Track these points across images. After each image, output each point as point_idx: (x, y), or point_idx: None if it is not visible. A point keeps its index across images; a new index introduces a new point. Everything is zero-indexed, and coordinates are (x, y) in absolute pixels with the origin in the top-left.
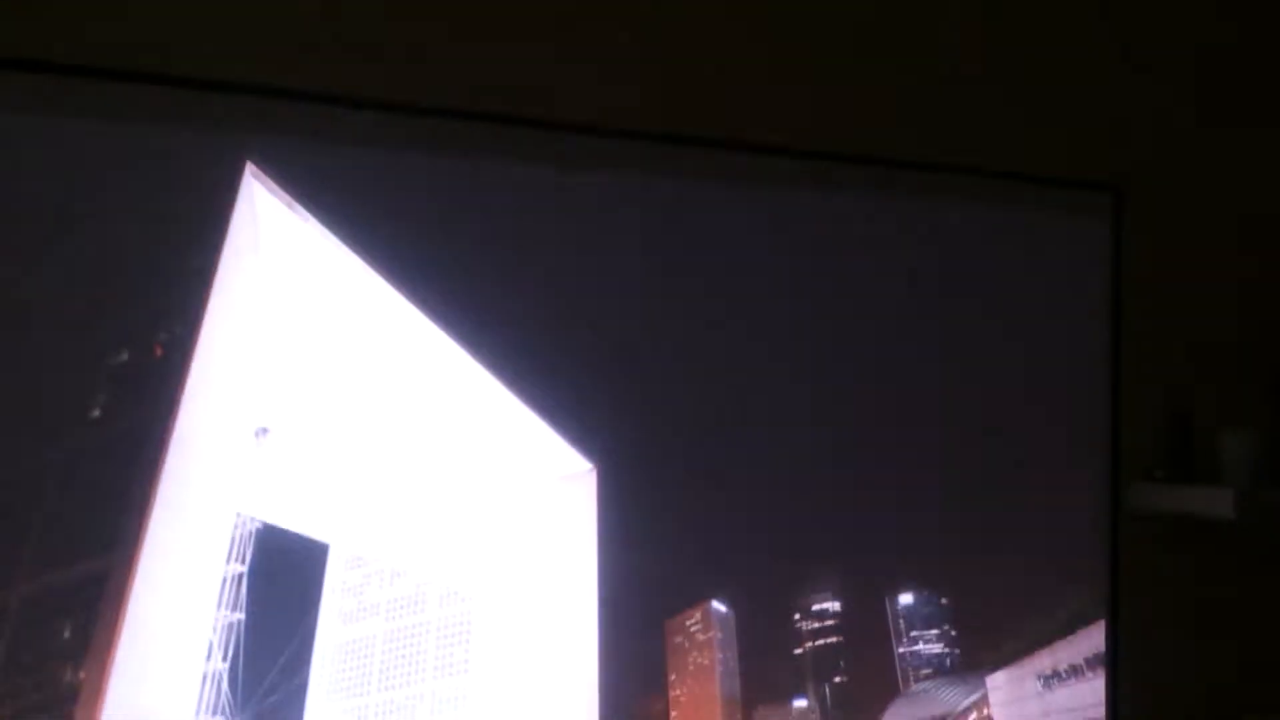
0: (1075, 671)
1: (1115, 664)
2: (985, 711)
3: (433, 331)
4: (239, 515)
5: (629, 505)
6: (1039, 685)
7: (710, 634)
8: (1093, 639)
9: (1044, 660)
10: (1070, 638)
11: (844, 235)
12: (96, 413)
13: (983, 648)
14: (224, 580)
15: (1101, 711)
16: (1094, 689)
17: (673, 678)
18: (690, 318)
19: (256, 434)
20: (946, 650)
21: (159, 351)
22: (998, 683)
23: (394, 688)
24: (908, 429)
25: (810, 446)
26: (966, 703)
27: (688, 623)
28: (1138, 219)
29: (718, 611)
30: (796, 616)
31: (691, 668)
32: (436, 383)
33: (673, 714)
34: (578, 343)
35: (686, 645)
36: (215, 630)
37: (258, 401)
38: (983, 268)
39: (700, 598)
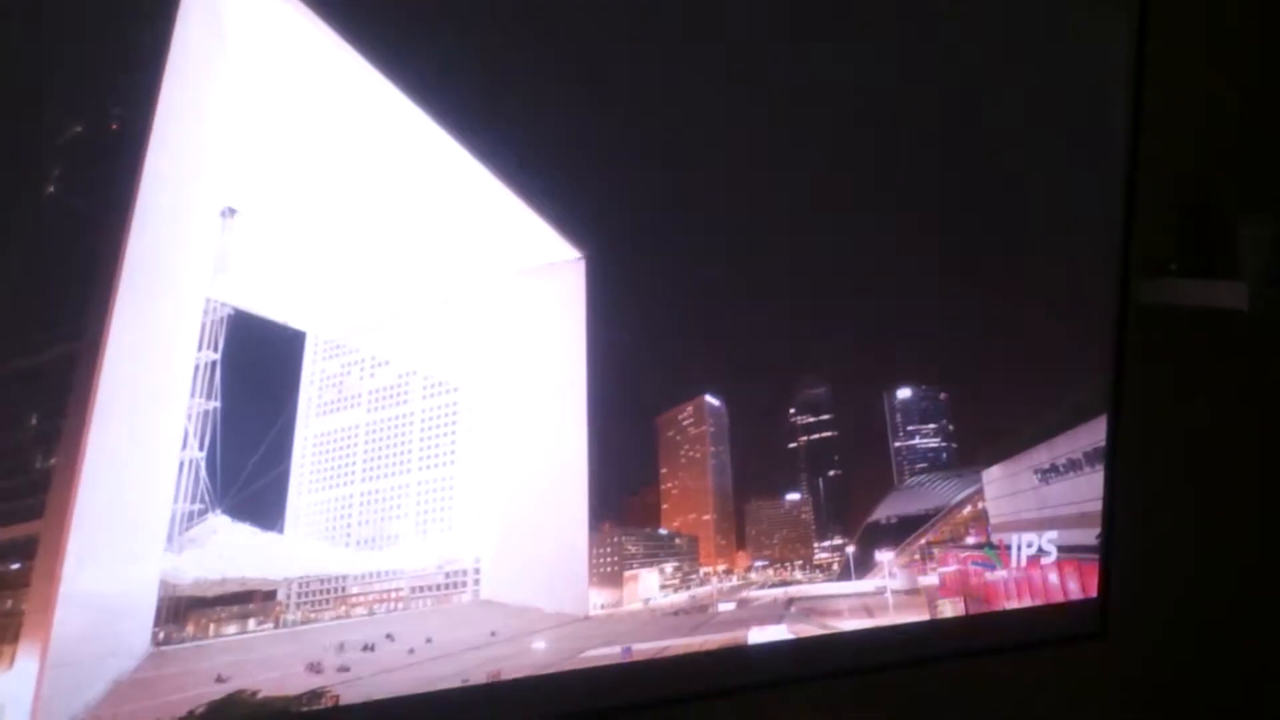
0: (1073, 466)
1: (1114, 457)
2: (980, 505)
3: (416, 114)
4: (209, 300)
5: (618, 294)
6: (1036, 479)
7: (703, 428)
8: (1093, 433)
9: (1041, 455)
10: (1070, 432)
11: (844, 8)
12: (51, 189)
13: (980, 443)
14: (196, 368)
15: (1098, 505)
16: (1091, 483)
17: (664, 471)
18: (682, 104)
19: (223, 214)
20: (943, 445)
21: (114, 126)
22: (993, 476)
23: (378, 478)
24: (909, 216)
25: (807, 235)
26: (961, 496)
27: (680, 416)
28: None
29: (711, 405)
30: (791, 411)
31: (684, 461)
32: (419, 166)
33: (664, 507)
34: (566, 131)
35: (679, 439)
36: (190, 418)
37: (224, 180)
38: (1001, 47)
39: (693, 392)
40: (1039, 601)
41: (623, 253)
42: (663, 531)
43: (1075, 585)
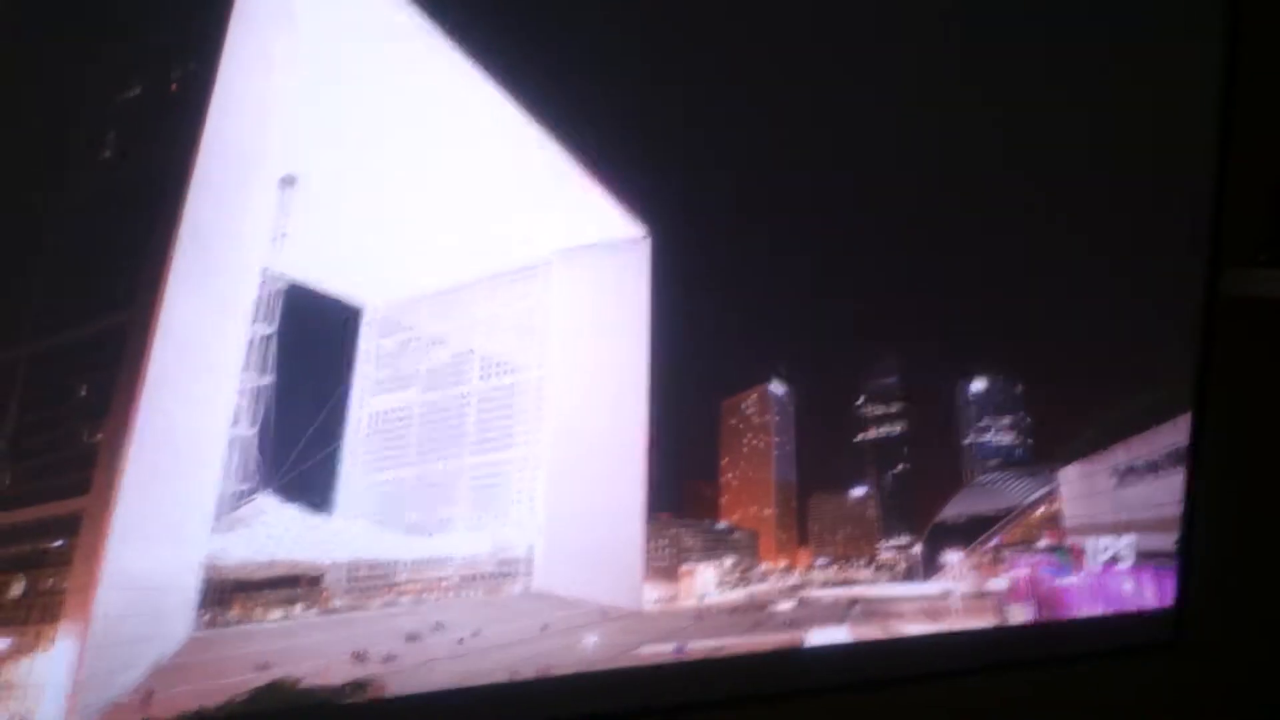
0: (1152, 468)
1: (1197, 459)
2: (1055, 506)
3: (483, 84)
4: (265, 272)
5: (684, 276)
6: (1113, 481)
7: (767, 417)
8: (1173, 434)
9: (1119, 456)
10: (1149, 433)
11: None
12: (107, 153)
13: (1056, 440)
14: (250, 341)
15: (1177, 510)
16: (1169, 486)
17: (725, 461)
18: (758, 82)
19: (282, 183)
20: (1017, 441)
21: (174, 87)
22: (1069, 477)
23: (432, 461)
24: (989, 204)
25: (880, 220)
26: (1035, 496)
27: (743, 404)
28: None
29: (775, 394)
30: (860, 401)
31: (745, 450)
32: (485, 139)
33: (723, 499)
34: (637, 102)
35: (741, 428)
36: (242, 394)
37: (284, 147)
38: (1087, 27)
39: (758, 379)
40: (1113, 609)
41: (688, 232)
42: (721, 525)
43: (1151, 592)
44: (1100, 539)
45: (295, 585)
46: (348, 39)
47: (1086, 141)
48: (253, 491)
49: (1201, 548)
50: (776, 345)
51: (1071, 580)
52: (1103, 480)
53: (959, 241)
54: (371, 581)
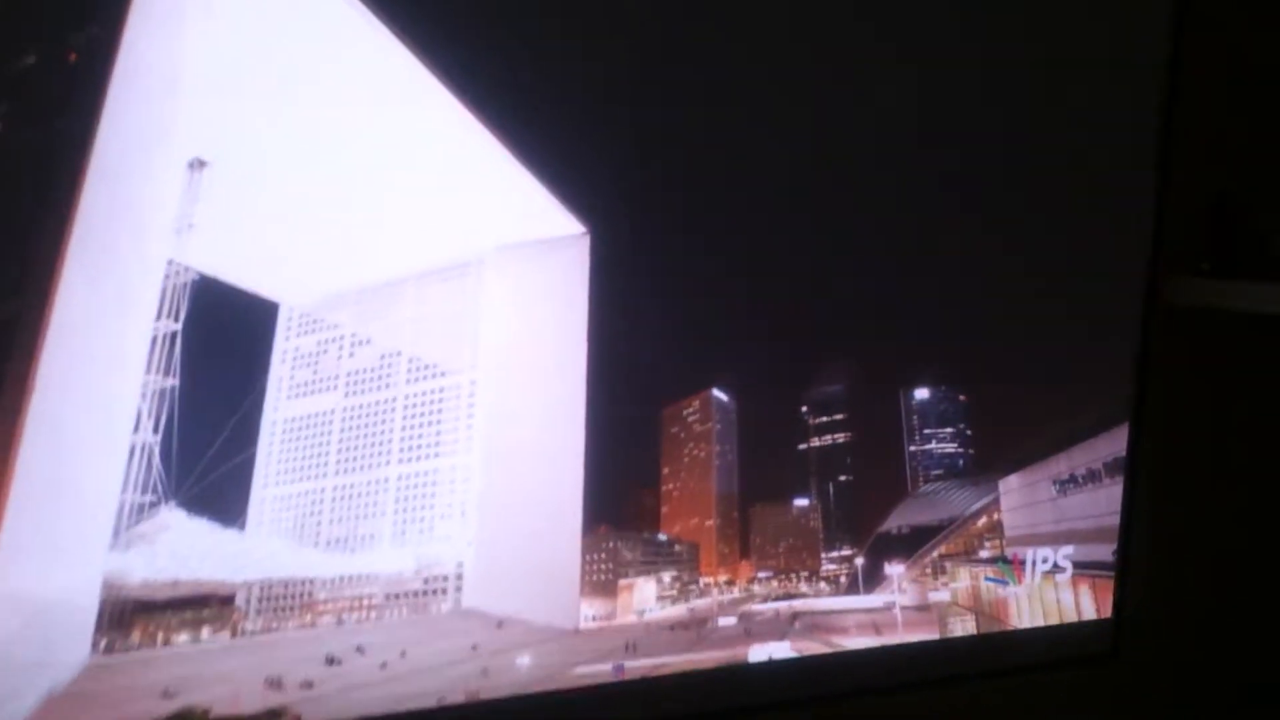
0: (1092, 477)
1: (1134, 469)
2: (995, 516)
3: (420, 69)
4: (171, 263)
5: (625, 275)
6: (1053, 490)
7: (709, 424)
8: (1112, 444)
9: (1060, 465)
10: (1089, 442)
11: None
12: None
13: (998, 450)
14: (154, 339)
15: (1115, 520)
16: (1110, 496)
17: (666, 470)
18: (697, 75)
19: (191, 166)
20: (960, 450)
21: (73, 56)
22: (1010, 486)
23: (354, 470)
24: (933, 209)
25: (825, 223)
26: (977, 506)
27: (685, 411)
28: None
29: (718, 400)
30: (804, 409)
31: (687, 460)
32: (420, 125)
33: (664, 510)
34: (577, 95)
35: (683, 435)
36: (144, 396)
37: (195, 125)
38: (1031, 40)
39: (700, 385)
40: (1052, 620)
41: (630, 230)
42: (662, 537)
43: (1089, 603)
44: (1040, 550)
45: (203, 606)
46: (272, 7)
47: (1030, 150)
48: (156, 504)
49: (1140, 558)
50: (720, 349)
51: (1012, 590)
52: (1044, 490)
53: (904, 249)
54: (287, 601)
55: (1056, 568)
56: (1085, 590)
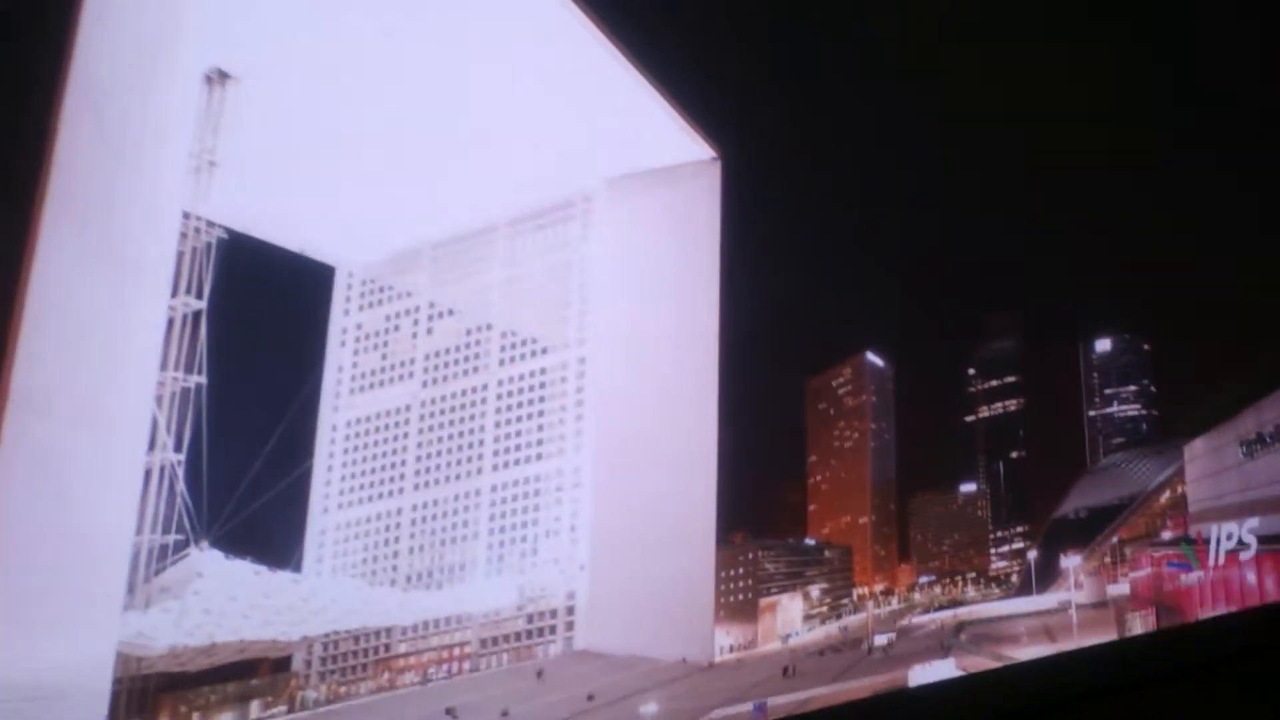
0: None
1: None
2: (1180, 489)
3: None
4: (188, 218)
5: (763, 208)
6: (1240, 452)
7: (863, 397)
8: None
9: (1247, 422)
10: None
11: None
12: None
13: (1184, 408)
14: (170, 321)
15: None
16: None
17: (813, 459)
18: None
19: (208, 79)
20: (1143, 412)
21: None
22: (1195, 452)
23: (437, 482)
24: (1110, 148)
25: (988, 157)
26: (1160, 479)
27: (834, 382)
28: None
29: (873, 366)
30: (970, 373)
31: (837, 445)
32: (506, 27)
33: (811, 508)
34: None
35: (832, 413)
36: (161, 402)
37: (211, 26)
38: None
39: (851, 349)
40: (1234, 606)
41: (770, 157)
42: (809, 541)
43: (1273, 583)
44: (1225, 525)
45: (251, 676)
46: None
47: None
48: (183, 545)
49: None
50: (872, 307)
51: (1195, 577)
52: (1230, 453)
53: (1079, 189)
54: (358, 659)
55: (1240, 544)
56: (1269, 569)
